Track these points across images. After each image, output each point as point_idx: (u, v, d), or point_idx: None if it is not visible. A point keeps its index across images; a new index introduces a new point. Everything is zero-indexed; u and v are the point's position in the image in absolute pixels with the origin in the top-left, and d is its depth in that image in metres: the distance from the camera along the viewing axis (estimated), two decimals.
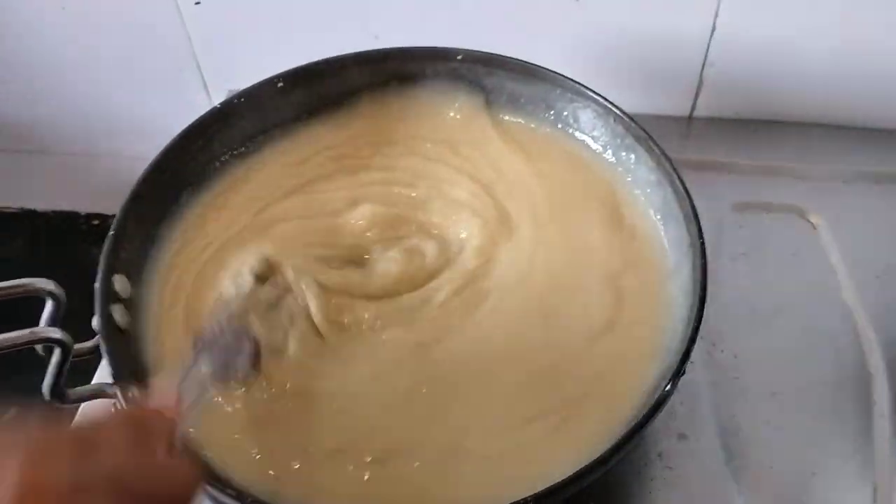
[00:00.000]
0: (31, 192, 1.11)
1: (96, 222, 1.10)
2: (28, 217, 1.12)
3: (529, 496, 0.44)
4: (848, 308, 0.69)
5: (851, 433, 0.62)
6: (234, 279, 0.57)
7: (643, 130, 0.62)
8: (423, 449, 0.51)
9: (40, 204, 1.12)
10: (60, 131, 1.02)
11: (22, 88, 0.98)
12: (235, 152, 0.68)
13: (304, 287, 0.57)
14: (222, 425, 0.52)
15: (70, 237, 1.10)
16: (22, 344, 0.47)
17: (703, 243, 0.54)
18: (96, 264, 0.55)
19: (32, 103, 1.00)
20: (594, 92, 0.65)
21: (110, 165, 1.02)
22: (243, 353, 0.48)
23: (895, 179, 0.79)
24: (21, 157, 1.06)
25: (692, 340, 0.50)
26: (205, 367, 0.45)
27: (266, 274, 0.58)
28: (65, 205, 1.10)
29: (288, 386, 0.54)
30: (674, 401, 0.62)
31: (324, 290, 0.57)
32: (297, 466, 0.50)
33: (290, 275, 0.57)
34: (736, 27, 0.77)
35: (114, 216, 0.58)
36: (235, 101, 0.67)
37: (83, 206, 1.10)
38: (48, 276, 0.51)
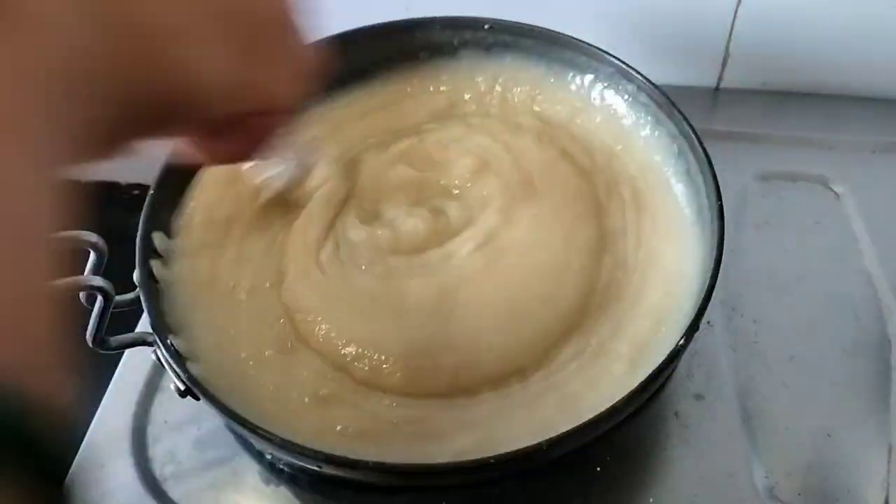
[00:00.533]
0: None
1: (137, 192, 1.14)
2: (71, 187, 1.15)
3: (544, 440, 0.46)
4: (869, 276, 0.69)
5: (868, 397, 0.62)
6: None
7: (665, 96, 0.63)
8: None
9: (81, 174, 1.15)
10: None
11: None
12: None
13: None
14: None
15: (112, 207, 1.13)
16: (67, 291, 0.50)
17: (720, 205, 0.56)
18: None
19: None
20: (617, 59, 0.66)
21: None
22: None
23: None
24: None
25: (707, 298, 0.51)
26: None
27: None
28: (106, 175, 1.14)
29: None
30: (691, 363, 0.64)
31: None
32: None
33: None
34: None
35: None
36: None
37: (123, 177, 1.14)
38: None
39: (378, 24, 0.71)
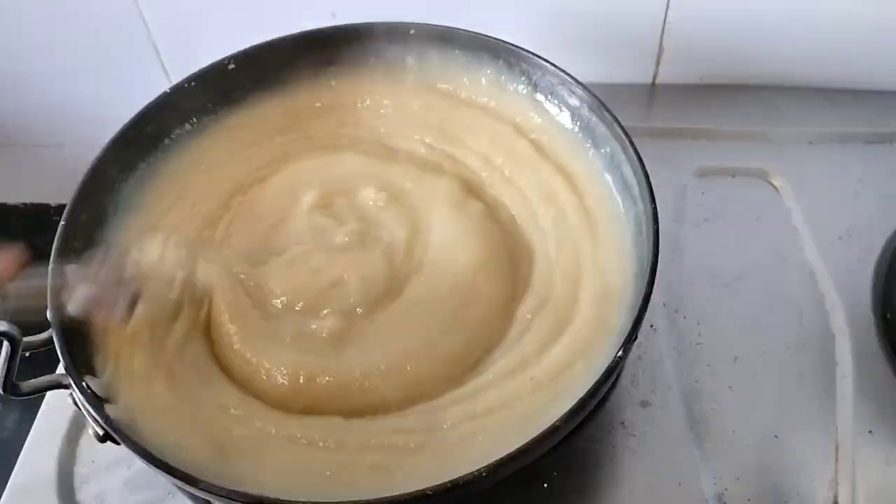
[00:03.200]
0: (1, 186, 1.10)
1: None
2: None
3: (482, 468, 0.44)
4: (811, 270, 0.69)
5: (814, 394, 0.62)
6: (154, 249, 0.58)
7: (595, 98, 0.61)
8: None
9: (10, 197, 1.11)
10: (25, 124, 1.01)
11: None
12: (185, 136, 0.67)
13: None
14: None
15: (41, 229, 1.09)
16: None
17: (654, 209, 0.54)
18: None
19: None
20: (547, 60, 0.64)
21: (77, 155, 1.00)
22: (118, 298, 0.52)
23: (860, 139, 0.78)
24: None
25: (644, 307, 0.50)
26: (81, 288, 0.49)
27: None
28: (34, 197, 1.09)
29: None
30: (637, 367, 0.63)
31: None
32: None
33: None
34: None
35: None
36: (186, 84, 0.66)
37: (53, 198, 1.09)
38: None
39: (296, 33, 0.69)
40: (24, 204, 1.10)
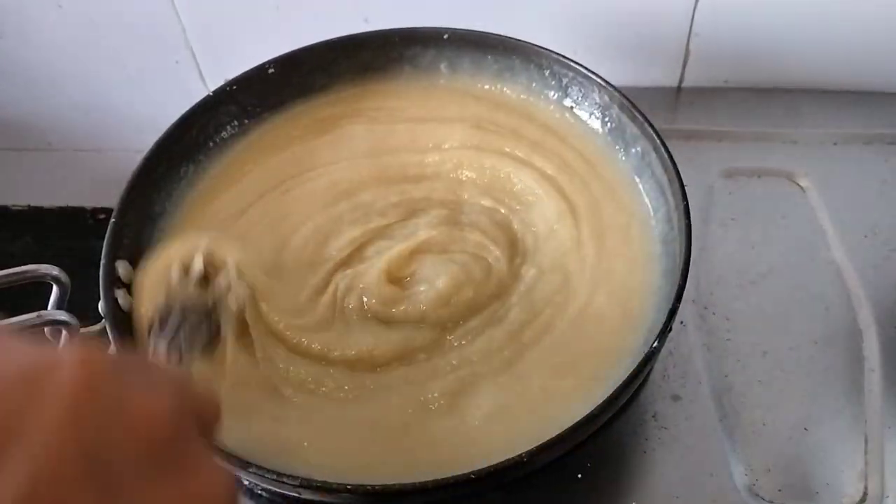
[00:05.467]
0: (38, 190, 1.13)
1: (102, 216, 1.12)
2: (35, 214, 1.14)
3: (524, 453, 0.46)
4: (837, 267, 0.70)
5: (842, 388, 0.63)
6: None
7: (626, 99, 0.63)
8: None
9: (47, 200, 1.14)
10: (63, 128, 1.04)
11: (24, 87, 0.99)
12: (228, 139, 0.69)
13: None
14: None
15: (77, 232, 1.12)
16: (30, 327, 0.49)
17: (686, 205, 0.56)
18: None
19: (35, 102, 1.02)
20: (578, 64, 0.66)
21: (114, 159, 1.04)
22: (201, 332, 0.48)
23: (884, 140, 0.79)
24: (26, 154, 1.08)
25: (678, 299, 0.51)
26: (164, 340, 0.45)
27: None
28: (71, 200, 1.12)
29: None
30: (667, 363, 0.64)
31: None
32: None
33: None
34: None
35: None
36: (227, 88, 0.68)
37: (89, 201, 1.12)
38: None
39: (334, 38, 0.71)
40: (61, 207, 1.13)
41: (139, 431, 0.27)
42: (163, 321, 0.46)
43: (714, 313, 0.67)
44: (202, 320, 0.48)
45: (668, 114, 0.84)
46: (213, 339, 0.49)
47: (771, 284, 0.69)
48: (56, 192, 1.12)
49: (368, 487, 0.46)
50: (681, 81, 0.86)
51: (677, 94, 0.87)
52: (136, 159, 0.63)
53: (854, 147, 0.79)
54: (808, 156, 0.78)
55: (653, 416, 0.62)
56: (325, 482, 0.46)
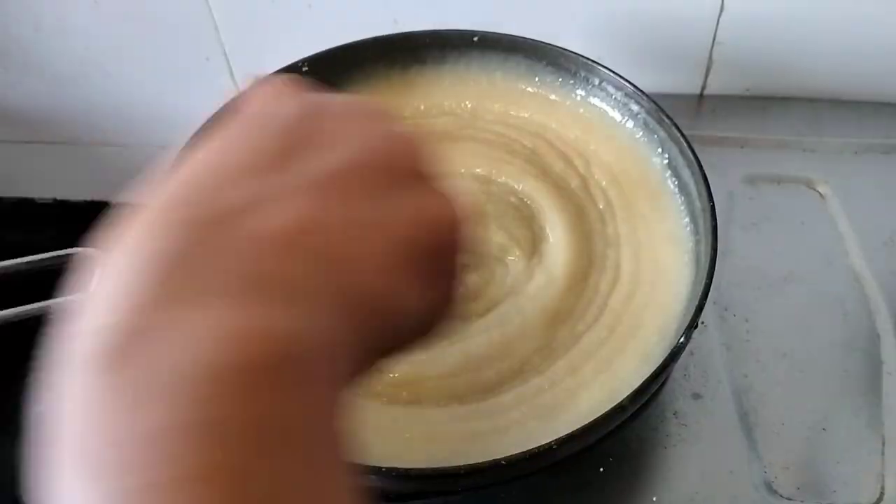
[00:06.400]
0: (64, 183, 1.15)
1: None
2: (61, 207, 1.16)
3: (553, 441, 0.47)
4: (856, 273, 0.71)
5: (860, 390, 0.64)
6: None
7: (654, 103, 0.65)
8: None
9: (73, 194, 1.15)
10: (91, 123, 1.06)
11: (52, 81, 1.01)
12: None
13: None
14: None
15: (101, 225, 1.13)
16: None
17: (713, 206, 0.57)
18: None
19: (63, 96, 1.03)
20: (606, 67, 0.68)
21: (141, 154, 1.06)
22: None
23: None
24: (53, 148, 1.10)
25: (705, 295, 0.53)
26: None
27: None
28: (97, 195, 1.14)
29: None
30: (688, 362, 0.65)
31: None
32: None
33: None
34: (744, 6, 0.80)
35: None
36: None
37: (114, 196, 1.14)
38: None
39: (365, 39, 0.72)
40: (87, 201, 1.15)
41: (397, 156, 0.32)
42: None
43: (735, 315, 0.69)
44: None
45: (691, 120, 0.86)
46: None
47: (790, 288, 0.70)
48: (82, 186, 1.14)
49: (401, 470, 0.47)
50: (703, 89, 0.88)
51: (700, 102, 0.88)
52: (162, 155, 0.64)
53: (873, 156, 0.80)
54: (828, 164, 0.79)
55: (674, 414, 0.63)
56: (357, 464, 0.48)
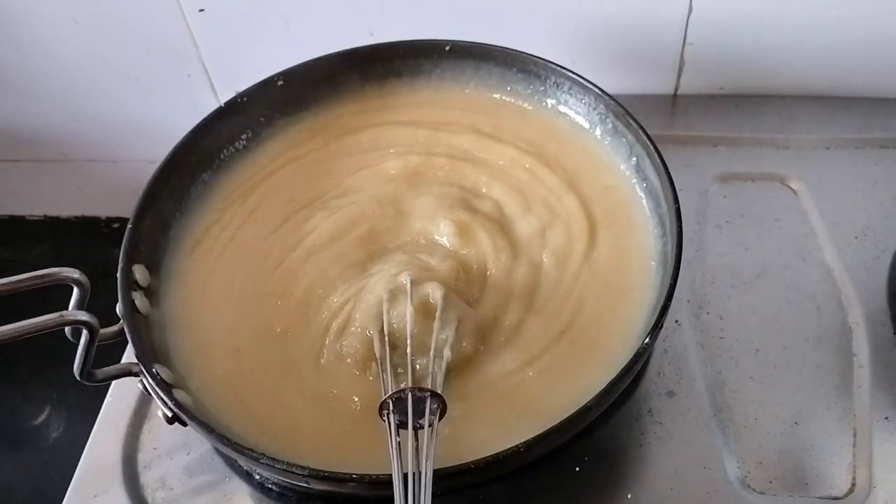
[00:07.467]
0: (54, 200, 1.16)
1: (117, 225, 1.15)
2: (51, 223, 1.17)
3: (521, 443, 0.48)
4: (828, 268, 0.72)
5: (832, 384, 0.65)
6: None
7: (621, 106, 0.66)
8: None
9: (63, 210, 1.17)
10: (79, 140, 1.07)
11: (40, 100, 1.03)
12: (241, 146, 0.72)
13: None
14: None
15: (92, 241, 1.15)
16: (52, 326, 0.52)
17: (678, 208, 0.58)
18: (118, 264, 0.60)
19: (51, 114, 1.05)
20: (574, 73, 0.69)
21: (128, 169, 1.07)
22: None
23: (874, 144, 0.82)
24: (42, 165, 1.11)
25: (669, 296, 0.54)
26: None
27: None
28: (86, 210, 1.15)
29: None
30: (662, 360, 0.66)
31: None
32: None
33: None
34: (712, 6, 0.81)
35: None
36: (238, 100, 0.71)
37: (104, 211, 1.15)
38: None
39: (339, 51, 0.74)
40: (77, 217, 1.16)
41: None
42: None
43: (708, 312, 0.70)
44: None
45: (665, 120, 0.87)
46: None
47: (764, 284, 0.71)
48: (71, 202, 1.16)
49: (373, 476, 0.48)
50: (676, 89, 0.89)
51: (673, 102, 0.89)
52: (150, 169, 0.65)
53: (845, 151, 0.81)
54: (801, 160, 0.80)
55: (648, 412, 0.64)
56: (332, 472, 0.49)
